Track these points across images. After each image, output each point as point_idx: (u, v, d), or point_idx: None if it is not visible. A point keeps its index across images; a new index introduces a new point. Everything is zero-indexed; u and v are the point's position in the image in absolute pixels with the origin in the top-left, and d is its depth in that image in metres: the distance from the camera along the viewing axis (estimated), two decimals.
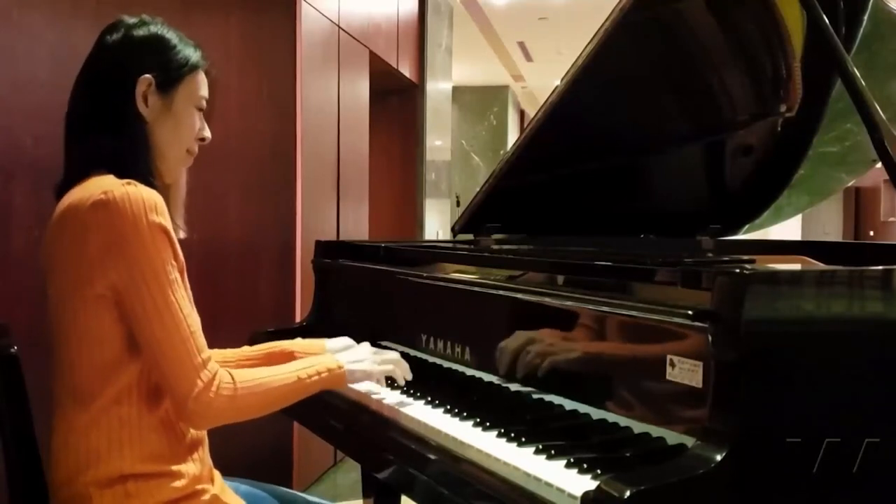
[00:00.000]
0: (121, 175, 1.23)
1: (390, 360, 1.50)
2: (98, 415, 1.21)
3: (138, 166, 1.26)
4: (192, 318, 1.21)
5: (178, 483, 1.24)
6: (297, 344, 1.61)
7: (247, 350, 1.60)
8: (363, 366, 1.45)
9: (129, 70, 1.27)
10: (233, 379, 1.23)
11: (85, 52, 1.32)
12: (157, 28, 1.31)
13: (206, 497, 1.27)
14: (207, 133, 1.37)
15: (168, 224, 1.21)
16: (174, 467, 1.24)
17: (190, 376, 1.18)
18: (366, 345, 1.53)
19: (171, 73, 1.30)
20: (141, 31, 1.30)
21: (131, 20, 1.31)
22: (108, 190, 1.18)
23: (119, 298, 1.19)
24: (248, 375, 1.27)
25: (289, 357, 1.58)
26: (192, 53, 1.32)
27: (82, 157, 1.27)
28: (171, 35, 1.32)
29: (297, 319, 2.92)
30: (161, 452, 1.24)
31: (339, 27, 3.55)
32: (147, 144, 1.29)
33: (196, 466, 1.28)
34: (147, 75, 1.28)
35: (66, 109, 1.31)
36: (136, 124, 1.28)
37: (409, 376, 1.52)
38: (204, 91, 1.35)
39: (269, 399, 1.29)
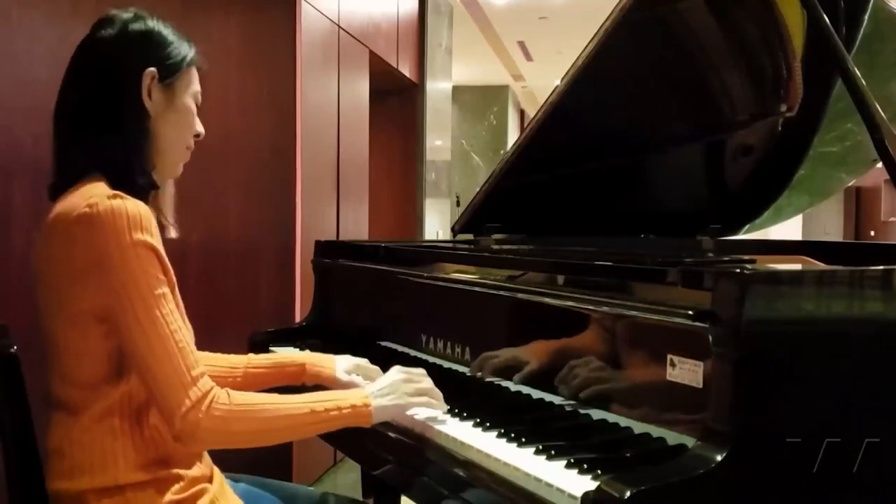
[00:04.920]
0: (116, 179, 1.21)
1: (423, 389, 1.36)
2: (90, 425, 1.20)
3: (142, 163, 1.24)
4: (180, 334, 1.16)
5: (177, 486, 1.22)
6: (307, 356, 1.59)
7: (254, 358, 1.56)
8: (394, 399, 1.31)
9: (132, 64, 1.24)
10: (229, 400, 1.17)
11: None
12: (153, 23, 1.28)
13: (206, 498, 1.26)
14: (201, 128, 1.34)
15: (154, 240, 1.17)
16: (173, 471, 1.23)
17: (177, 394, 1.14)
18: (394, 370, 1.37)
19: (172, 67, 1.27)
20: (138, 26, 1.26)
21: (126, 14, 1.27)
22: (94, 203, 1.14)
23: (105, 315, 1.16)
24: (248, 398, 1.21)
25: (299, 369, 1.55)
26: (187, 48, 1.30)
27: (78, 157, 1.23)
28: (167, 29, 1.29)
29: (297, 319, 2.92)
30: (157, 460, 1.22)
31: (339, 27, 3.55)
32: (149, 140, 1.26)
33: (195, 469, 1.27)
34: (151, 68, 1.25)
35: (56, 108, 1.27)
36: (141, 119, 1.25)
37: (444, 407, 1.37)
38: (198, 86, 1.33)
39: (270, 428, 1.21)
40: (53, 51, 1.92)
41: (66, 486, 1.21)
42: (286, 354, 1.62)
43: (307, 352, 1.66)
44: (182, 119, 1.30)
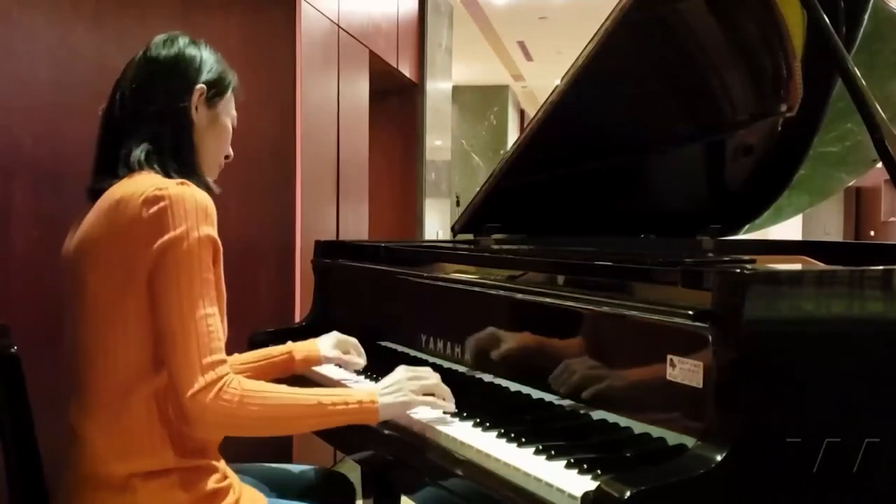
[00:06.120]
0: (167, 175, 1.28)
1: (430, 386, 1.36)
2: (139, 409, 1.23)
3: (192, 163, 1.33)
4: (213, 320, 1.21)
5: (216, 475, 1.28)
6: (291, 345, 1.65)
7: (240, 357, 1.59)
8: (400, 397, 1.33)
9: (187, 79, 1.35)
10: (239, 386, 1.20)
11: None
12: (205, 49, 1.40)
13: (234, 491, 1.30)
14: (231, 151, 1.46)
15: (215, 233, 1.24)
16: (211, 462, 1.29)
17: (192, 373, 1.17)
18: (400, 369, 1.39)
19: (218, 89, 1.39)
20: (193, 49, 1.38)
21: (183, 39, 1.38)
22: (163, 187, 1.21)
23: (150, 285, 1.20)
24: (258, 386, 1.24)
25: (288, 358, 1.63)
26: (231, 75, 1.43)
27: (131, 150, 1.29)
28: (216, 56, 1.41)
29: (297, 319, 2.92)
30: (201, 448, 1.27)
31: (339, 27, 3.55)
32: (195, 148, 1.36)
33: (222, 462, 1.33)
34: (201, 85, 1.36)
35: (107, 111, 1.35)
36: (190, 127, 1.35)
37: (452, 406, 1.37)
38: (235, 111, 1.45)
39: (277, 416, 1.24)
40: (53, 51, 1.92)
41: (111, 470, 1.23)
42: (270, 348, 1.65)
43: (289, 342, 1.69)
44: (219, 137, 1.41)
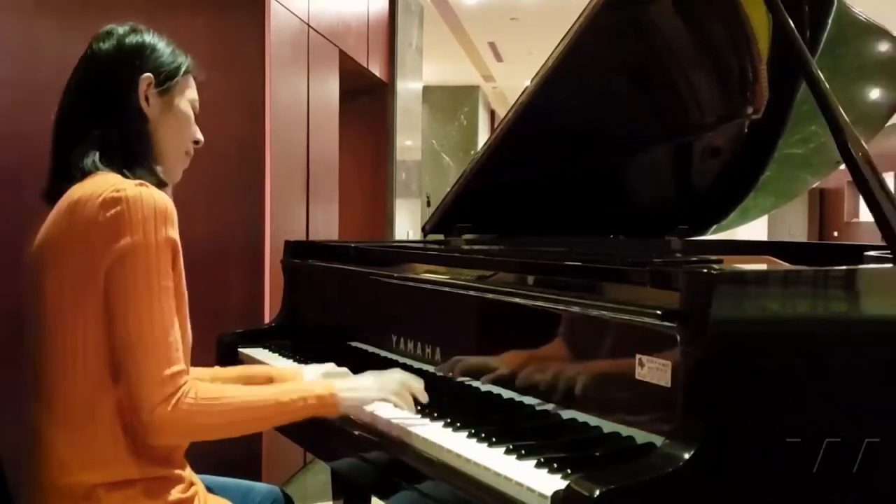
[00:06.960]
0: (125, 174, 1.23)
1: (395, 381, 1.35)
2: (102, 419, 1.20)
3: (145, 162, 1.27)
4: (173, 329, 1.18)
5: (181, 486, 1.26)
6: (274, 370, 1.60)
7: (220, 371, 1.56)
8: (358, 394, 1.33)
9: (129, 71, 1.29)
10: (196, 394, 1.18)
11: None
12: (149, 35, 1.34)
13: (200, 500, 1.28)
14: (200, 136, 1.39)
15: (177, 235, 1.21)
16: (176, 471, 1.26)
17: (150, 387, 1.15)
18: (368, 373, 1.40)
19: (168, 75, 1.32)
20: (134, 38, 1.32)
21: (122, 28, 1.32)
22: (121, 189, 1.17)
23: (107, 292, 1.17)
24: (214, 392, 1.22)
25: (265, 381, 1.54)
26: (182, 58, 1.36)
27: (82, 155, 1.24)
28: (162, 41, 1.35)
29: (267, 320, 2.90)
30: (166, 457, 1.25)
31: (309, 26, 3.53)
32: (150, 143, 1.30)
33: (187, 471, 1.30)
34: (147, 74, 1.30)
35: (57, 115, 1.30)
36: (140, 122, 1.29)
37: (424, 398, 1.37)
38: (195, 94, 1.39)
39: (237, 420, 1.23)
40: (17, 51, 1.89)
41: (75, 480, 1.20)
42: (253, 368, 1.63)
43: (272, 366, 1.66)
44: (180, 125, 1.35)
